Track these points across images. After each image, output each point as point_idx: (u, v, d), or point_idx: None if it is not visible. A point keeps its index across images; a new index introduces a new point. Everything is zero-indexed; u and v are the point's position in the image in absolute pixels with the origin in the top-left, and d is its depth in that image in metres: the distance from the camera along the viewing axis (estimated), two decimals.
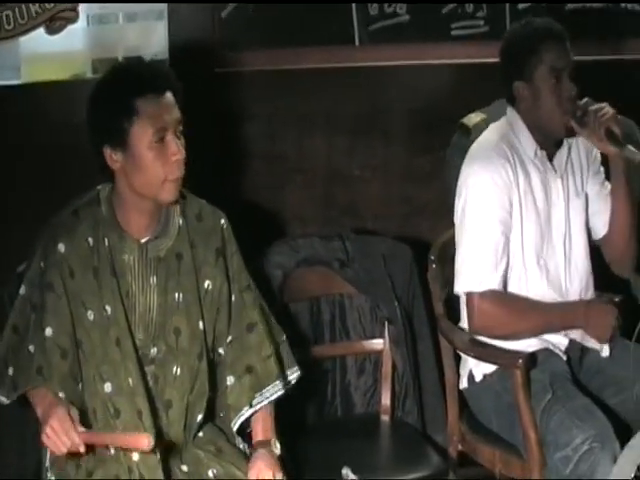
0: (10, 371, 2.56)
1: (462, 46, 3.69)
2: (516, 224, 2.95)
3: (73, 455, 2.46)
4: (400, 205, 3.68)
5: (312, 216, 3.59)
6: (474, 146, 3.04)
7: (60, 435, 2.33)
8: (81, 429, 2.38)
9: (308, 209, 3.59)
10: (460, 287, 2.96)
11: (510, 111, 3.00)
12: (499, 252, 2.91)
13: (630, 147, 2.84)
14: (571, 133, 2.97)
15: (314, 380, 3.16)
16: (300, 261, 3.25)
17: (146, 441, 2.33)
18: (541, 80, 2.90)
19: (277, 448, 2.64)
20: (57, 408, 2.39)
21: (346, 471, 2.05)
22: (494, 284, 2.92)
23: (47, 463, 2.59)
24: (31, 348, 2.53)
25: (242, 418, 2.66)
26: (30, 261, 2.62)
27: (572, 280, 3.04)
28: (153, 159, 2.47)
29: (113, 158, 2.49)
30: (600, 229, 3.09)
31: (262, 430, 2.67)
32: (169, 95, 2.50)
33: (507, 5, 3.66)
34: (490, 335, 2.96)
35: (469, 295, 2.94)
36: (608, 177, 3.08)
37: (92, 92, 2.54)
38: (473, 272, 2.92)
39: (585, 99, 2.91)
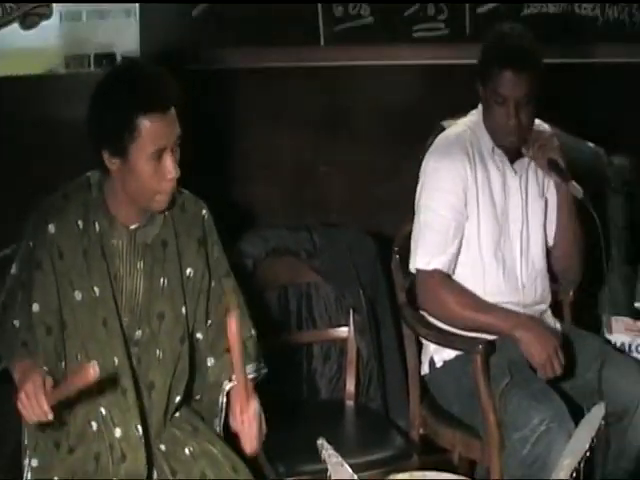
0: None
1: (423, 48, 3.81)
2: (472, 214, 3.08)
3: (54, 432, 2.56)
4: (363, 201, 3.78)
5: (279, 210, 3.68)
6: (438, 138, 3.18)
7: (32, 400, 2.36)
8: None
9: (275, 203, 3.68)
10: (412, 264, 3.09)
11: (477, 109, 3.14)
12: (449, 235, 3.04)
13: (573, 183, 2.98)
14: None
15: (281, 366, 3.19)
16: (269, 251, 3.36)
17: (91, 370, 2.33)
18: (489, 97, 3.01)
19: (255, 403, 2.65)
20: (32, 374, 2.42)
21: (321, 441, 2.11)
22: (441, 265, 3.05)
23: (26, 442, 2.65)
24: (16, 323, 2.60)
25: (224, 392, 2.72)
26: (18, 242, 2.68)
27: (529, 276, 3.16)
28: (149, 174, 2.52)
29: (111, 161, 2.54)
30: (552, 237, 3.22)
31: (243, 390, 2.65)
32: (172, 111, 2.53)
33: (467, 9, 3.79)
34: (432, 314, 3.10)
35: (418, 272, 3.07)
36: None
37: (95, 97, 2.53)
38: (423, 251, 3.05)
39: (538, 127, 3.08)
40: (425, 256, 3.04)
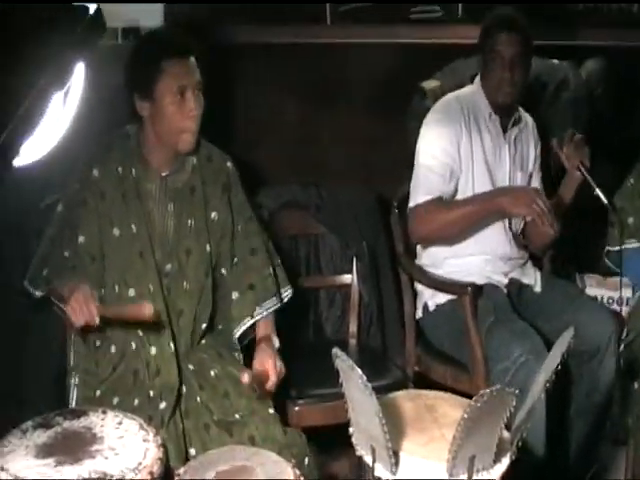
0: (45, 272, 2.96)
1: (419, 28, 4.08)
2: (467, 170, 3.38)
3: (96, 353, 2.90)
4: (361, 165, 4.04)
5: (285, 171, 3.92)
6: (441, 100, 3.49)
7: (82, 305, 2.66)
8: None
9: (282, 165, 3.92)
10: (412, 202, 3.34)
11: (476, 80, 3.47)
12: (446, 177, 3.32)
13: (598, 190, 3.28)
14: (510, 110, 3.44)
15: (290, 309, 3.42)
16: (282, 204, 3.67)
17: (147, 308, 2.69)
18: (488, 58, 3.37)
19: (276, 342, 3.07)
20: (82, 285, 2.75)
21: (335, 350, 2.36)
22: (439, 196, 3.31)
23: (71, 363, 3.00)
24: (66, 253, 2.94)
25: (244, 327, 3.08)
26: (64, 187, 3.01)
27: (515, 230, 3.50)
28: (173, 112, 2.89)
29: (142, 106, 2.92)
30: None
31: (263, 329, 3.09)
32: (192, 59, 2.91)
33: None
34: (428, 236, 3.36)
35: (417, 206, 3.32)
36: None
37: (129, 54, 2.93)
38: (424, 189, 3.32)
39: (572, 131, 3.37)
40: (425, 194, 3.30)
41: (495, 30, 3.34)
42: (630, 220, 3.33)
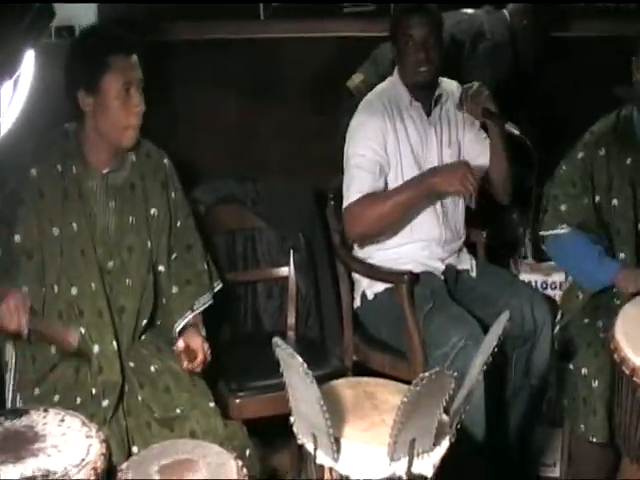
0: None
1: (352, 22, 4.17)
2: (395, 164, 3.42)
3: (34, 350, 2.88)
4: (298, 158, 4.09)
5: (224, 166, 3.94)
6: (360, 104, 3.53)
7: (12, 312, 2.67)
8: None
9: (221, 161, 3.96)
10: (345, 203, 3.37)
11: (395, 71, 3.52)
12: (376, 174, 3.36)
13: (508, 124, 3.38)
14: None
15: (228, 303, 3.55)
16: (219, 199, 3.68)
17: (74, 336, 2.74)
18: (401, 44, 3.42)
19: (203, 330, 3.11)
20: (15, 292, 2.74)
21: (275, 339, 2.38)
22: (370, 192, 3.34)
23: (8, 361, 2.97)
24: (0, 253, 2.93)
25: (185, 320, 3.10)
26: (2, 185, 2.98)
27: (446, 215, 3.53)
28: (119, 107, 2.90)
29: (85, 102, 2.91)
30: (482, 167, 3.55)
31: (192, 319, 3.13)
32: (135, 56, 2.92)
33: None
34: (364, 232, 3.38)
35: (349, 205, 3.35)
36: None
37: (71, 47, 2.94)
38: (355, 188, 3.35)
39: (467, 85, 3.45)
40: (357, 192, 3.34)
41: (404, 16, 3.42)
42: (563, 207, 3.39)
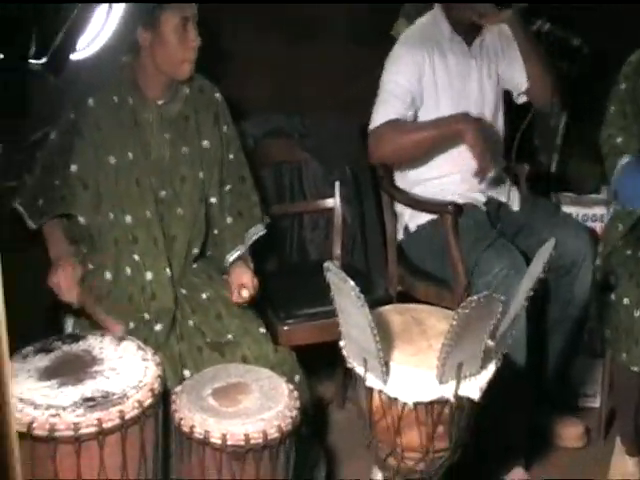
0: (40, 202, 3.02)
1: None
2: (431, 98, 3.45)
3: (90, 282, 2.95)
4: (343, 95, 4.06)
5: (270, 104, 3.96)
6: (401, 36, 3.57)
7: (63, 288, 2.85)
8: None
9: (268, 98, 3.97)
10: (371, 124, 3.41)
11: (436, 6, 3.55)
12: (407, 102, 3.39)
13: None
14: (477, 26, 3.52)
15: (275, 235, 3.58)
16: (267, 132, 3.73)
17: (118, 327, 2.85)
18: None
19: (251, 264, 3.18)
20: (65, 262, 2.88)
21: (327, 264, 2.42)
22: (396, 117, 3.38)
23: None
24: (57, 181, 3.00)
25: (237, 253, 3.17)
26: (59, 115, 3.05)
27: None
28: (176, 42, 2.98)
29: (143, 37, 2.98)
30: (523, 83, 3.60)
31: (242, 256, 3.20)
32: None
33: None
34: (383, 157, 3.42)
35: (373, 129, 3.39)
36: None
37: None
38: (383, 110, 3.39)
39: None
40: (384, 116, 3.38)
41: None
42: (619, 140, 3.37)
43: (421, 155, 3.45)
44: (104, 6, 1.37)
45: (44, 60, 1.27)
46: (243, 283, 3.04)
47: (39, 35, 1.24)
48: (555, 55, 3.70)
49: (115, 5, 1.41)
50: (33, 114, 2.63)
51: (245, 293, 3.02)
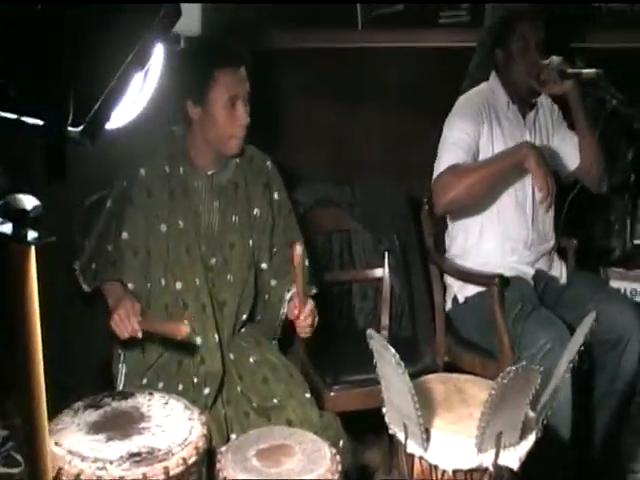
0: (93, 266, 3.11)
1: (447, 32, 4.21)
2: (486, 156, 3.47)
3: (142, 343, 3.01)
4: (393, 164, 4.14)
5: (322, 169, 4.05)
6: (460, 97, 3.63)
7: (125, 321, 2.83)
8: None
9: (319, 165, 4.05)
10: (434, 176, 3.43)
11: (492, 75, 3.62)
12: (469, 152, 3.42)
13: (584, 70, 3.43)
14: (535, 94, 3.58)
15: (324, 302, 3.46)
16: (317, 201, 3.80)
17: (184, 328, 2.83)
18: (513, 49, 3.51)
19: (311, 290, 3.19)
20: (125, 300, 2.90)
21: (370, 331, 2.47)
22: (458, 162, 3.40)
23: (119, 352, 3.13)
24: (109, 247, 3.09)
25: (286, 302, 3.15)
26: (113, 185, 3.15)
27: (537, 217, 3.59)
28: (224, 119, 3.04)
29: (193, 111, 3.06)
30: (573, 162, 3.64)
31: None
32: (243, 69, 3.04)
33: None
34: (451, 200, 3.36)
35: (438, 177, 3.39)
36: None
37: (180, 58, 3.01)
38: (447, 157, 3.41)
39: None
40: (446, 162, 3.39)
41: (515, 21, 3.50)
42: None
43: (485, 192, 3.43)
44: (140, 75, 1.45)
45: (81, 128, 1.35)
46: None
47: (77, 102, 1.32)
48: (614, 134, 3.71)
49: (150, 75, 1.49)
50: (78, 180, 2.72)
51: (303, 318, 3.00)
